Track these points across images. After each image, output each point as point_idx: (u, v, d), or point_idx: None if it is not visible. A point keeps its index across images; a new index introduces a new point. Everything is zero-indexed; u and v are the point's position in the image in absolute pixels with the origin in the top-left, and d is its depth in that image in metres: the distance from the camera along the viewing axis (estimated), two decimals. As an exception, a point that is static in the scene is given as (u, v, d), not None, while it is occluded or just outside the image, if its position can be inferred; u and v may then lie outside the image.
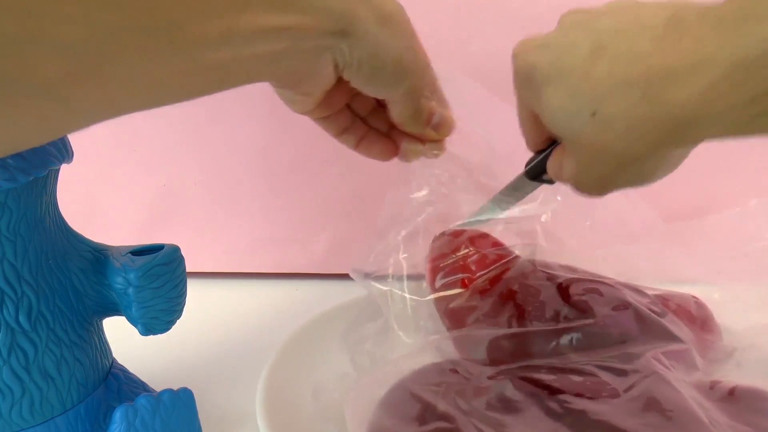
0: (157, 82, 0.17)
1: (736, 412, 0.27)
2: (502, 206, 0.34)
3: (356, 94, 0.29)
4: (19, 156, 0.23)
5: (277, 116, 0.48)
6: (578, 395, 0.27)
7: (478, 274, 0.35)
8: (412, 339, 0.33)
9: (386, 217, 0.35)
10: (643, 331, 0.31)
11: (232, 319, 0.46)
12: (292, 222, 0.52)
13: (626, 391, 0.27)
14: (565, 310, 0.32)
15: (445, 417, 0.26)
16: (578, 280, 0.34)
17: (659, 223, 0.37)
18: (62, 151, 0.26)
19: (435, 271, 0.35)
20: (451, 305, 0.34)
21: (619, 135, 0.21)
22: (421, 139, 0.31)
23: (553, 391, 0.27)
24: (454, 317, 0.34)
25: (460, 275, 0.35)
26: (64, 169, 0.27)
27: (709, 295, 0.37)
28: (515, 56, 0.26)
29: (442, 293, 0.34)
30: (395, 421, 0.27)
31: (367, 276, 0.34)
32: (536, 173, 0.29)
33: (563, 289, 0.33)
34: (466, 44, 0.45)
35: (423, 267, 0.36)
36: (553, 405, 0.26)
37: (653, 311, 0.32)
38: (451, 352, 0.32)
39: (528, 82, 0.25)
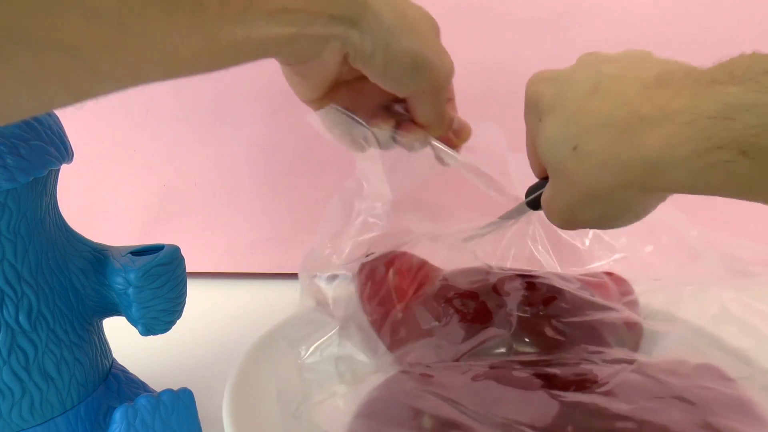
0: (176, 54, 0.18)
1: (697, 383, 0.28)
2: (494, 228, 0.35)
3: (361, 96, 0.30)
4: (19, 156, 0.23)
5: (278, 117, 0.48)
6: (564, 388, 0.27)
7: (408, 293, 0.35)
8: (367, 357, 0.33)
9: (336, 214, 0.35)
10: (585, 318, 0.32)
11: (232, 319, 0.46)
12: (292, 222, 0.52)
13: (607, 380, 0.27)
14: (509, 306, 0.33)
15: (447, 421, 0.26)
16: (510, 277, 0.35)
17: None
18: (62, 151, 0.26)
19: (369, 300, 0.35)
20: (391, 323, 0.34)
21: (592, 168, 0.22)
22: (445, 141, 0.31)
23: (536, 386, 0.27)
24: (395, 334, 0.34)
25: (393, 297, 0.35)
26: (64, 169, 0.27)
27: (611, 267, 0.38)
28: (528, 85, 0.27)
29: (379, 315, 0.35)
30: (382, 427, 0.27)
31: (315, 277, 0.35)
32: (536, 202, 0.29)
33: (498, 287, 0.34)
34: (467, 46, 0.45)
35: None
36: (546, 400, 0.26)
37: (584, 297, 0.33)
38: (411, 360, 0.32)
39: (533, 110, 0.26)
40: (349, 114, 0.30)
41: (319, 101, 0.29)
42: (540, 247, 0.38)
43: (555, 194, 0.25)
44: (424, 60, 0.26)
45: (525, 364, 0.29)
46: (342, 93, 0.29)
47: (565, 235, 0.38)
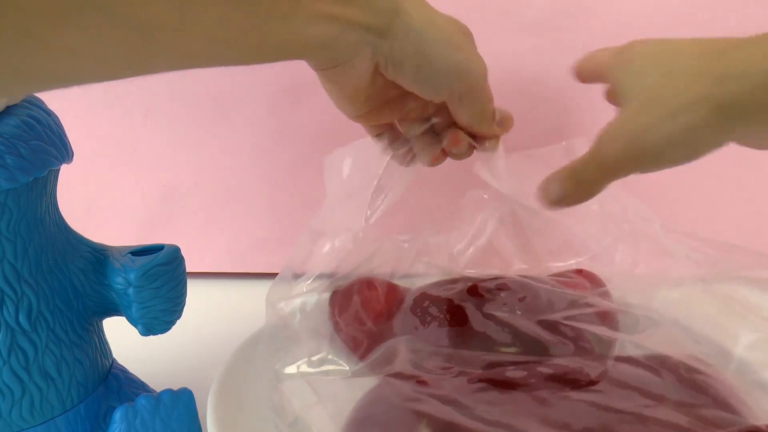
0: (227, 43, 0.19)
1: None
2: None
3: (404, 113, 0.31)
4: (19, 156, 0.23)
5: (278, 116, 0.48)
6: (561, 387, 0.27)
7: (383, 313, 0.35)
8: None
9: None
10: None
11: (233, 319, 0.46)
12: (292, 222, 0.52)
13: (600, 378, 0.27)
14: (485, 308, 0.33)
15: (447, 425, 0.26)
16: (483, 281, 0.35)
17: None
18: (62, 151, 0.26)
19: (342, 322, 0.35)
20: (366, 337, 0.34)
21: (679, 83, 0.23)
22: (484, 137, 0.31)
23: (534, 387, 0.27)
24: (372, 347, 0.33)
25: (367, 319, 0.35)
26: (64, 169, 0.27)
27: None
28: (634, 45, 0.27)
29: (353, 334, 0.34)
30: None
31: (296, 277, 0.35)
32: None
33: (473, 291, 0.34)
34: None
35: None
36: (547, 400, 0.26)
37: (558, 293, 0.34)
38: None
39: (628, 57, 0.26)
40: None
41: (364, 117, 0.30)
42: (508, 254, 0.39)
43: (628, 117, 0.24)
44: (455, 62, 0.26)
45: (516, 364, 0.29)
46: (386, 111, 0.30)
47: (531, 236, 0.38)
